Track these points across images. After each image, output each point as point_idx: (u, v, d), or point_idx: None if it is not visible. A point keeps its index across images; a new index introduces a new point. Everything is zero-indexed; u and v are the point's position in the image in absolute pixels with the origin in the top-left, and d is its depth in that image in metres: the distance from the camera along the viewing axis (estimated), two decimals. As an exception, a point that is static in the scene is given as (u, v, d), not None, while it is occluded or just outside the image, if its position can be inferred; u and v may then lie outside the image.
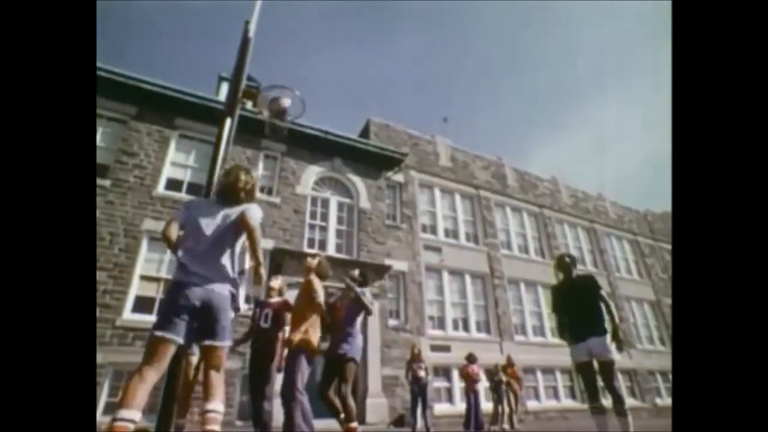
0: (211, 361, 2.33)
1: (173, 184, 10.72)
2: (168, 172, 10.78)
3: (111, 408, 8.36)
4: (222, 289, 2.36)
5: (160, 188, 10.44)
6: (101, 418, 8.13)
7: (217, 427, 2.19)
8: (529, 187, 18.54)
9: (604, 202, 21.29)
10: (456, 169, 16.52)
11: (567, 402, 14.34)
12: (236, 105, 4.54)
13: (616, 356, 3.56)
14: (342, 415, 3.65)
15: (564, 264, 4.10)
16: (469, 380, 9.26)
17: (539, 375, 14.30)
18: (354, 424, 3.68)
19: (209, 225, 2.46)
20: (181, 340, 2.27)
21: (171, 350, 2.25)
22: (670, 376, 17.49)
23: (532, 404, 13.40)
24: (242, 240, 2.58)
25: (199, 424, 2.21)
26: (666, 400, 16.57)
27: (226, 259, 2.43)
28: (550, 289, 4.30)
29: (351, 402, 3.76)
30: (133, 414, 2.04)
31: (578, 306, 3.79)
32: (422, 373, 8.39)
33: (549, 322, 15.84)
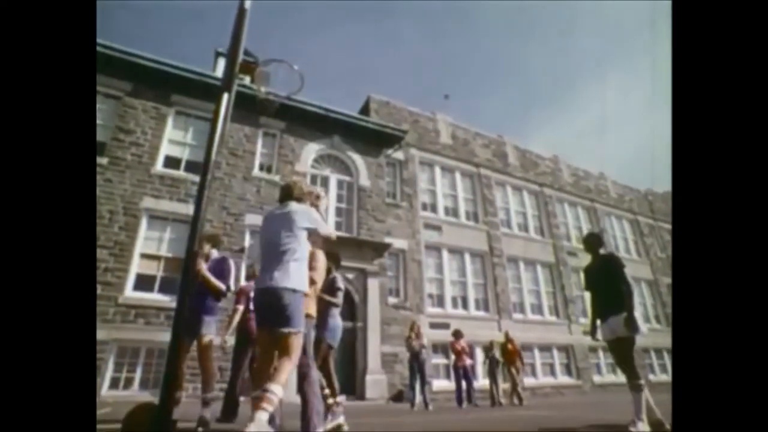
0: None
1: (172, 162, 10.62)
2: (166, 149, 10.66)
3: (115, 383, 8.51)
4: None
5: (159, 166, 10.35)
6: (107, 392, 8.29)
7: (268, 407, 2.34)
8: (530, 166, 18.42)
9: (605, 181, 21.20)
10: (457, 146, 16.37)
11: (563, 378, 14.63)
12: (233, 79, 4.42)
13: (642, 332, 3.59)
14: (326, 391, 3.71)
15: (588, 244, 4.19)
16: (457, 356, 9.36)
17: (536, 352, 14.53)
18: (333, 400, 3.74)
19: None
20: None
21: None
22: (664, 354, 17.80)
23: (529, 381, 13.66)
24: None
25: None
26: (659, 377, 16.91)
27: None
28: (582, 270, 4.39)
29: (335, 381, 3.86)
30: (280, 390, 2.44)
31: (601, 286, 3.90)
32: (421, 350, 8.49)
33: (547, 300, 16.01)
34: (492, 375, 9.74)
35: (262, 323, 2.63)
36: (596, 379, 15.15)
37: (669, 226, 22.31)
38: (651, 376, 16.77)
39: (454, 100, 64.96)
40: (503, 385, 10.03)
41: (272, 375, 2.49)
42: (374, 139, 13.53)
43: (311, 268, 3.07)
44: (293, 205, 2.86)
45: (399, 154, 14.44)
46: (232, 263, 4.35)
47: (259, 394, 2.39)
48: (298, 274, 2.60)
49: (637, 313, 3.68)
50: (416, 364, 8.39)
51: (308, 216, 2.80)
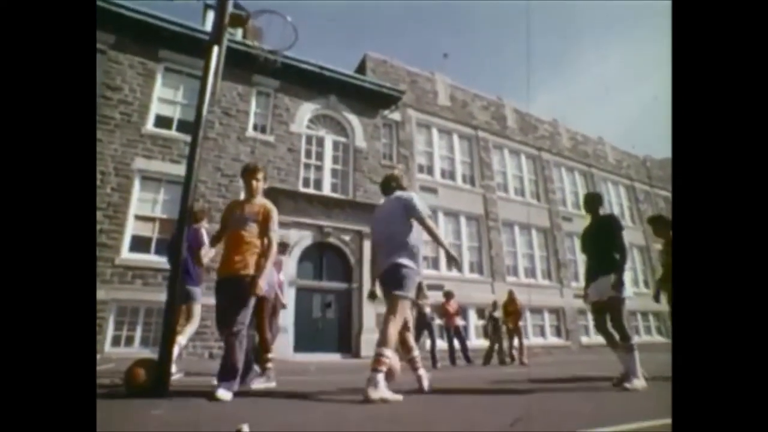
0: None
1: (163, 122, 10.36)
2: (156, 108, 10.37)
3: (117, 341, 8.69)
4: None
5: (149, 125, 10.10)
6: (110, 349, 8.48)
7: (382, 368, 2.81)
8: (529, 129, 18.17)
9: (603, 146, 21.03)
10: (455, 108, 16.05)
11: (552, 339, 15.09)
12: (223, 31, 4.22)
13: (628, 294, 3.58)
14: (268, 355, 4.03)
15: (587, 204, 4.10)
16: (448, 316, 9.45)
17: (528, 314, 14.90)
18: (266, 356, 4.02)
19: None
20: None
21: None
22: (649, 316, 18.33)
23: (509, 341, 14.09)
24: None
25: None
26: (643, 337, 17.53)
27: None
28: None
29: (267, 335, 4.13)
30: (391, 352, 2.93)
31: (597, 247, 3.83)
32: (427, 310, 8.55)
33: (540, 264, 16.25)
34: (494, 334, 9.72)
35: (388, 295, 3.14)
36: (584, 340, 15.64)
37: (665, 193, 22.40)
38: (635, 337, 17.33)
39: (453, 60, 63.23)
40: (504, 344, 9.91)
41: (379, 338, 2.97)
42: (371, 99, 13.21)
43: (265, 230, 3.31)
44: (410, 194, 3.40)
45: (396, 115, 14.16)
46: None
47: (374, 357, 2.88)
48: (412, 254, 3.19)
49: (627, 277, 3.64)
50: (422, 324, 8.47)
51: (421, 205, 3.31)
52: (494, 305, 10.04)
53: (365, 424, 2.11)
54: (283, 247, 5.38)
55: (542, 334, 15.18)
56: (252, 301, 3.10)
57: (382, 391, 2.70)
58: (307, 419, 2.29)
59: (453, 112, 15.90)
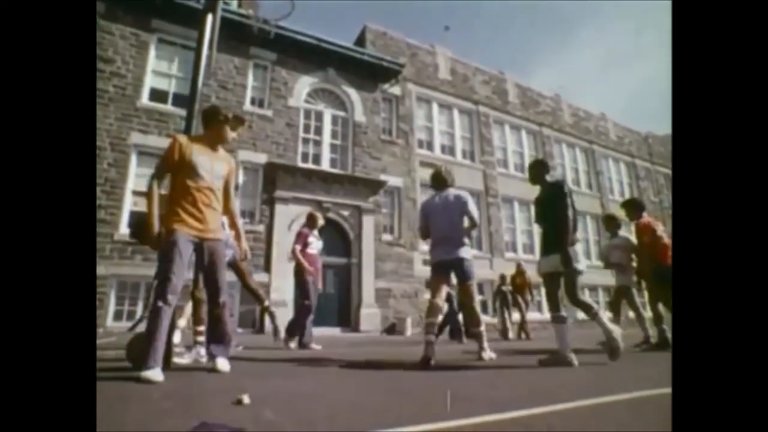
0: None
1: (158, 95, 10.17)
2: (151, 81, 10.16)
3: (119, 315, 8.78)
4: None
5: (144, 99, 9.92)
6: (111, 323, 8.59)
7: (481, 342, 3.84)
8: (531, 104, 17.91)
9: (606, 122, 20.78)
10: (456, 82, 15.76)
11: (549, 314, 15.27)
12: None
13: (580, 267, 3.40)
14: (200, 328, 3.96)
15: (532, 172, 3.90)
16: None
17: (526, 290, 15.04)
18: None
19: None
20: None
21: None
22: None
23: (517, 316, 14.27)
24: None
25: None
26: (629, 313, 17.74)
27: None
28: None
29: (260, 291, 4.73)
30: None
31: (547, 216, 3.64)
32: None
33: (539, 240, 16.29)
34: (503, 308, 9.62)
35: (443, 278, 3.90)
36: (579, 315, 15.84)
37: (665, 170, 22.27)
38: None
39: (454, 33, 61.80)
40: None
41: (475, 319, 3.92)
42: (370, 73, 12.95)
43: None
44: (467, 195, 3.98)
45: (396, 89, 13.91)
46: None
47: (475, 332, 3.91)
48: (467, 247, 3.91)
49: (579, 248, 3.48)
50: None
51: (471, 203, 3.95)
52: (503, 279, 9.88)
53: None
54: (312, 221, 5.63)
55: (539, 309, 15.37)
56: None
57: (489, 353, 3.82)
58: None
59: (453, 87, 15.63)
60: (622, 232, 6.30)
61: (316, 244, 5.51)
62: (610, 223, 6.26)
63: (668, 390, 1.98)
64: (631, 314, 5.83)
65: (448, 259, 3.85)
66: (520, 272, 9.70)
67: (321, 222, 5.71)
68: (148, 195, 2.58)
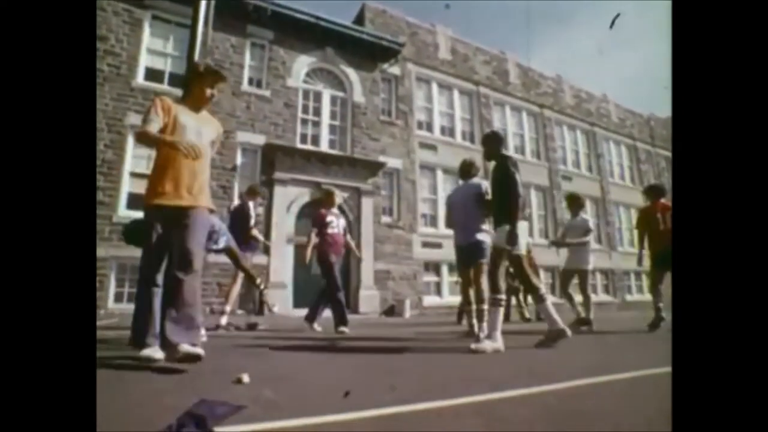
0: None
1: (153, 75, 10.00)
2: (146, 60, 9.97)
3: (120, 297, 8.84)
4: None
5: (140, 79, 9.76)
6: (113, 305, 8.65)
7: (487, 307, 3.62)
8: (532, 85, 17.67)
9: (607, 104, 20.54)
10: (456, 62, 15.52)
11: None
12: (211, -26, 3.97)
13: (519, 247, 3.33)
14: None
15: (486, 144, 3.78)
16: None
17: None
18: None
19: None
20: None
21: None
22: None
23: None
24: None
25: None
26: (635, 296, 17.92)
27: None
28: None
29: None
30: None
31: (498, 191, 3.57)
32: None
33: (538, 223, 16.32)
34: (510, 289, 9.27)
35: (463, 263, 4.24)
36: (577, 298, 15.96)
37: (666, 153, 22.15)
38: (627, 296, 17.77)
39: (455, 11, 60.65)
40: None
41: (482, 294, 3.90)
42: (369, 52, 12.73)
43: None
44: (482, 182, 4.27)
45: (395, 69, 13.70)
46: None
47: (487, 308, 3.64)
48: (483, 230, 4.09)
49: (523, 228, 3.40)
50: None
51: (486, 188, 4.06)
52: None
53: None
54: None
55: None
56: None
57: (484, 343, 3.33)
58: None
59: (454, 67, 15.39)
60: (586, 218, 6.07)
61: (337, 222, 5.27)
62: (573, 202, 6.04)
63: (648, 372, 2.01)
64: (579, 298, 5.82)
65: (464, 245, 4.13)
66: (527, 250, 9.23)
67: (338, 199, 5.54)
68: (143, 134, 2.37)
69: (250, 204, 5.43)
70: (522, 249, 3.46)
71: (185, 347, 2.10)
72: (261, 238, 5.83)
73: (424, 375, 2.25)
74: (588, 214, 6.22)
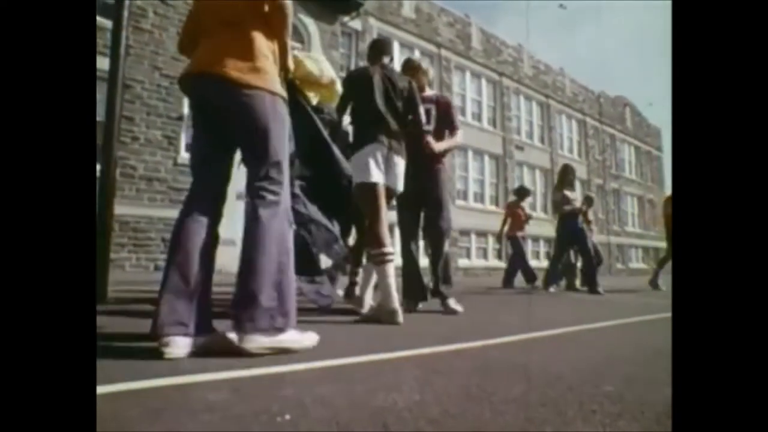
0: None
1: (85, 4, 8.90)
2: None
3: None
4: None
5: (68, 7, 8.66)
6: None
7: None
8: (493, 52, 17.63)
9: (563, 77, 21.00)
10: (420, 21, 15.09)
11: (493, 261, 16.07)
12: None
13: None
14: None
15: (372, 50, 3.22)
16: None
17: (473, 237, 15.63)
18: None
19: None
20: None
21: None
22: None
23: (463, 262, 14.90)
24: None
25: None
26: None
27: None
28: None
29: None
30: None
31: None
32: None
33: (489, 190, 16.77)
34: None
35: None
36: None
37: (611, 131, 23.26)
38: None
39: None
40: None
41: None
42: (329, 3, 12.04)
43: None
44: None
45: (356, 24, 13.11)
46: None
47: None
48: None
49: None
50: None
51: None
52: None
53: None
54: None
55: (485, 256, 16.13)
56: None
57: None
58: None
59: (417, 26, 14.97)
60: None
61: None
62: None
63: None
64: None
65: None
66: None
67: None
68: None
69: None
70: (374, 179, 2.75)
71: None
72: None
73: (385, 332, 2.23)
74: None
